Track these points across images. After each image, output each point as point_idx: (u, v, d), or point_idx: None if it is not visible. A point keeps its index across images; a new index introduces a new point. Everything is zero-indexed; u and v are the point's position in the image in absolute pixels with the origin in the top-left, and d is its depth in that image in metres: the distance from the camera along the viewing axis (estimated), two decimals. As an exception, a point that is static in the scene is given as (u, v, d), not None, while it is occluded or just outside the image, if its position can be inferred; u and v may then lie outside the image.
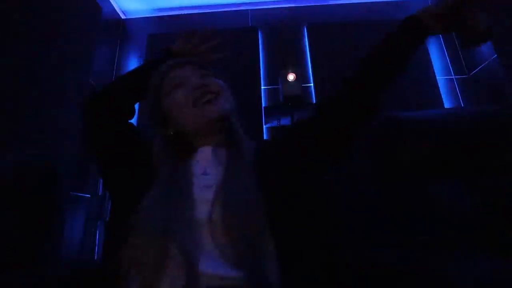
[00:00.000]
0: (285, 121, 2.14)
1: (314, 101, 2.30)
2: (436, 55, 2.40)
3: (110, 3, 2.51)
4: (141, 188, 0.56)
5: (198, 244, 0.49)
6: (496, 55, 2.00)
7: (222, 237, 0.49)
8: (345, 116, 0.63)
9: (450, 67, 2.38)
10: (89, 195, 1.98)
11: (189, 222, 0.51)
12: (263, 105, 2.26)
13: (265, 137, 2.24)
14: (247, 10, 2.64)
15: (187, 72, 0.69)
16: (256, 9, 2.64)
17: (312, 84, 2.36)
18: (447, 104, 2.24)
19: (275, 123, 2.21)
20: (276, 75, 2.29)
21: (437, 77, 2.28)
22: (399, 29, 0.64)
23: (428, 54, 2.32)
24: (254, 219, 0.50)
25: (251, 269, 0.46)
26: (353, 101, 0.63)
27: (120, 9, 2.64)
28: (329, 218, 0.58)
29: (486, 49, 2.10)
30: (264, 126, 2.22)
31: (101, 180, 2.04)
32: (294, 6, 2.63)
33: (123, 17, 2.70)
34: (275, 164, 0.61)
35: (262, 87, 2.35)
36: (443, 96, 2.24)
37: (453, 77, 2.35)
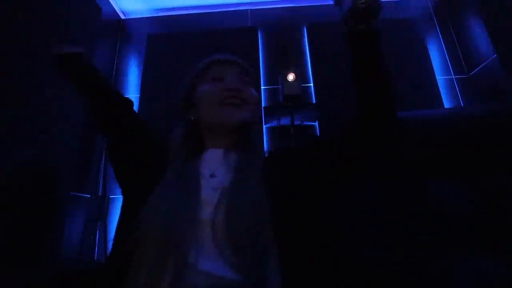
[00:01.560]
0: (285, 121, 2.14)
1: (314, 101, 2.30)
2: (436, 55, 2.40)
3: (109, 3, 2.50)
4: (150, 186, 0.57)
5: (199, 244, 0.49)
6: (496, 55, 2.00)
7: (223, 239, 0.49)
8: (363, 148, 0.61)
9: (450, 67, 2.38)
10: (88, 195, 1.98)
11: (192, 223, 0.51)
12: (262, 105, 2.26)
13: (265, 136, 2.24)
14: (247, 10, 2.64)
15: (230, 72, 0.71)
16: (256, 9, 2.64)
17: (312, 84, 2.36)
18: (447, 104, 2.24)
19: (275, 123, 2.21)
20: (275, 75, 2.29)
21: (437, 77, 2.28)
22: (352, 51, 0.63)
23: (428, 54, 2.32)
24: (258, 224, 0.50)
25: (250, 273, 0.46)
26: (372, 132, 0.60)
27: (120, 9, 2.64)
28: (333, 227, 0.57)
29: (485, 48, 2.10)
30: (264, 126, 2.22)
31: (103, 181, 2.04)
32: (294, 6, 2.63)
33: (122, 17, 2.70)
34: (284, 173, 0.61)
35: (262, 87, 2.35)
36: (443, 96, 2.24)
37: (453, 77, 2.35)
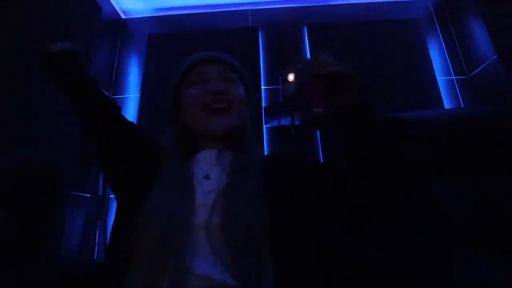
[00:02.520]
0: (285, 121, 2.14)
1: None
2: (436, 55, 2.40)
3: (110, 2, 2.50)
4: (144, 188, 0.56)
5: (195, 248, 0.49)
6: (496, 55, 2.00)
7: (219, 242, 0.49)
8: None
9: (450, 68, 2.38)
10: (89, 195, 1.98)
11: (186, 227, 0.50)
12: (263, 105, 2.26)
13: (265, 137, 2.24)
14: (247, 10, 2.64)
15: (212, 71, 0.67)
16: (257, 9, 2.64)
17: (312, 84, 2.36)
18: (447, 105, 2.23)
19: (275, 123, 2.21)
20: (276, 75, 2.29)
21: (437, 78, 2.28)
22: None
23: (428, 54, 2.32)
24: (254, 227, 0.49)
25: (245, 277, 0.45)
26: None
27: (121, 8, 2.64)
28: (331, 232, 0.56)
29: (486, 49, 2.10)
30: (264, 126, 2.22)
31: (103, 181, 2.04)
32: (295, 6, 2.63)
33: (123, 16, 2.70)
34: (285, 180, 0.59)
35: (262, 87, 2.35)
36: (443, 96, 2.24)
37: (453, 77, 2.35)
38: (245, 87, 0.72)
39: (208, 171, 0.61)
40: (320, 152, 2.17)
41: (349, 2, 2.61)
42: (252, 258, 0.47)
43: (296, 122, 2.07)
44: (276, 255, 0.48)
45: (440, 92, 2.22)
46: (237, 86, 0.69)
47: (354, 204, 0.56)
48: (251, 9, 2.64)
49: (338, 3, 2.62)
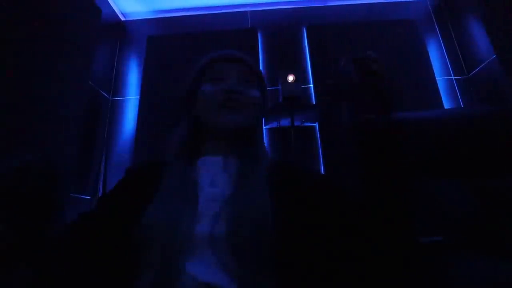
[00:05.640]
0: (285, 122, 2.14)
1: (314, 102, 2.30)
2: (436, 56, 2.41)
3: (109, 5, 2.51)
4: (144, 201, 0.55)
5: (198, 256, 0.48)
6: (495, 55, 2.01)
7: (223, 251, 0.48)
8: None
9: (450, 68, 2.38)
10: (89, 197, 1.98)
11: (190, 237, 0.49)
12: (262, 106, 2.26)
13: (265, 137, 2.24)
14: (247, 11, 2.64)
15: (232, 71, 0.68)
16: (256, 10, 2.65)
17: (311, 85, 2.36)
18: (446, 105, 2.24)
19: (275, 124, 2.21)
20: (275, 76, 2.30)
21: (437, 78, 2.28)
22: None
23: (427, 55, 2.33)
24: (258, 239, 0.48)
25: (248, 285, 0.45)
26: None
27: (120, 11, 2.65)
28: (338, 247, 0.53)
29: (485, 49, 2.10)
30: (264, 127, 2.22)
31: (103, 183, 2.04)
32: (294, 7, 2.64)
33: (122, 19, 2.70)
34: (293, 195, 0.56)
35: (262, 88, 2.35)
36: (443, 96, 2.25)
37: (453, 77, 2.35)
38: (260, 90, 0.71)
39: (214, 178, 0.60)
40: (320, 153, 2.17)
41: (348, 3, 2.62)
42: (256, 268, 0.46)
43: (296, 123, 2.08)
44: (280, 266, 0.47)
45: (439, 92, 2.23)
46: (254, 88, 0.69)
47: (360, 228, 0.54)
48: (250, 11, 2.64)
49: (337, 4, 2.63)
